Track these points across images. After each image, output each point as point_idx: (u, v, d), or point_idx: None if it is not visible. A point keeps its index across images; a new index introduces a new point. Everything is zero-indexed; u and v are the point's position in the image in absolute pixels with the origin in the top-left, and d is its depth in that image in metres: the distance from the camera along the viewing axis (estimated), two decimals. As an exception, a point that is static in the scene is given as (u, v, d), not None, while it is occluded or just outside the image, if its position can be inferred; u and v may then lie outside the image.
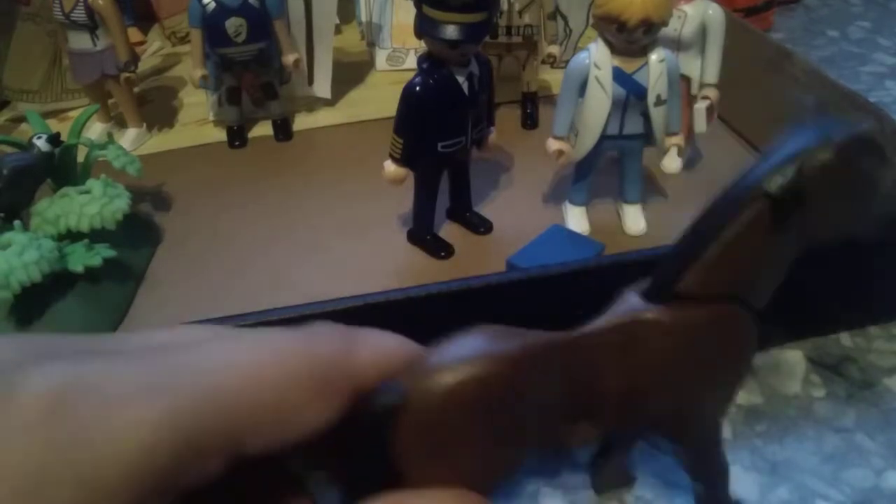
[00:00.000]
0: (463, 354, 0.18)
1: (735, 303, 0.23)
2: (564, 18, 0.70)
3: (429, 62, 0.43)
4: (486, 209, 0.53)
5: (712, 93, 0.52)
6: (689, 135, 0.54)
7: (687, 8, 0.50)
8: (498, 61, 0.60)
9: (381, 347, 0.18)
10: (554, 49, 0.62)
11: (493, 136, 0.50)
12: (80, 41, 0.58)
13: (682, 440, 0.27)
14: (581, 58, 0.45)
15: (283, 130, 0.64)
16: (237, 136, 0.63)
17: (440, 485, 0.17)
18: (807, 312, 0.40)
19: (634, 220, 0.50)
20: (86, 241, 0.43)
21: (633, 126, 0.46)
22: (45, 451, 0.12)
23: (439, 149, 0.45)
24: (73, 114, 0.65)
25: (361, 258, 0.49)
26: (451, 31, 0.41)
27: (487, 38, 0.50)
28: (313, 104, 0.68)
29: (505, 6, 0.58)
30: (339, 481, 0.19)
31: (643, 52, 0.44)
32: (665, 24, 0.42)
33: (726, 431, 0.36)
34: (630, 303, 0.23)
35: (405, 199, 0.50)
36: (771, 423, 0.36)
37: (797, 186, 0.22)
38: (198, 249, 0.51)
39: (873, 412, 0.37)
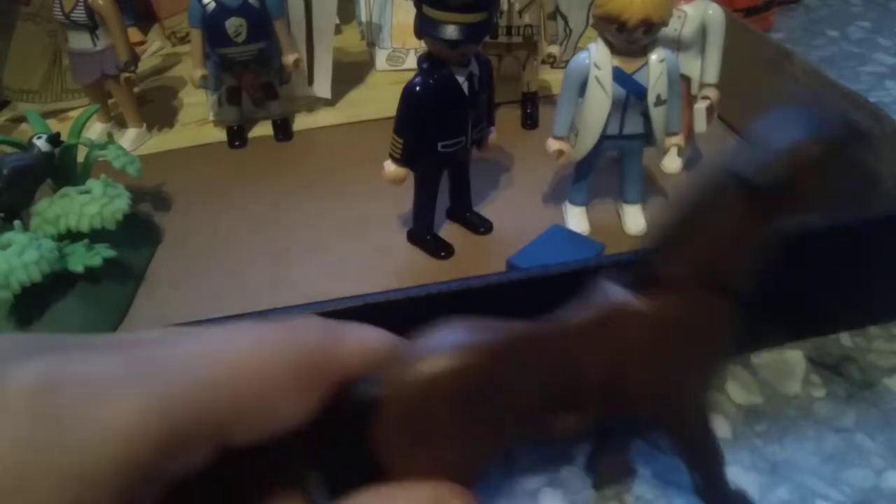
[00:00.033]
0: (441, 346, 0.19)
1: (717, 289, 0.23)
2: (564, 18, 0.70)
3: (429, 62, 0.43)
4: (486, 209, 0.53)
5: (712, 93, 0.52)
6: (689, 135, 0.54)
7: (687, 8, 0.51)
8: (498, 61, 0.60)
9: (363, 339, 0.18)
10: (554, 49, 0.62)
11: (493, 136, 0.50)
12: (80, 41, 0.58)
13: (669, 427, 0.26)
14: (581, 58, 0.45)
15: (283, 130, 0.64)
16: (237, 136, 0.63)
17: (422, 476, 0.18)
18: (807, 312, 0.40)
19: (634, 220, 0.50)
20: (86, 241, 0.43)
21: (633, 126, 0.46)
22: (30, 440, 0.12)
23: (439, 149, 0.45)
24: (73, 114, 0.65)
25: (361, 258, 0.49)
26: (451, 31, 0.41)
27: (487, 38, 0.50)
28: (313, 104, 0.68)
29: (505, 6, 0.58)
30: (324, 474, 0.19)
31: (643, 52, 0.44)
32: (665, 24, 0.42)
33: (726, 431, 0.36)
34: (608, 291, 0.23)
35: (405, 199, 0.50)
36: (771, 423, 0.36)
37: (785, 179, 0.22)
38: (198, 249, 0.51)
39: (873, 412, 0.37)
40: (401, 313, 0.34)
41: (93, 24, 0.57)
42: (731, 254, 0.23)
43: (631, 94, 0.44)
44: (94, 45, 0.58)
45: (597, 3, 0.42)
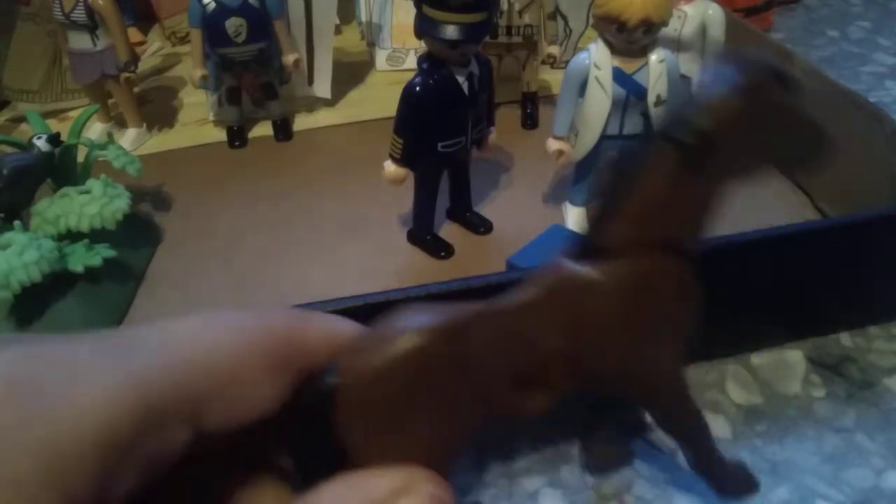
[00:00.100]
0: (396, 331, 0.19)
1: (665, 250, 0.23)
2: (564, 18, 0.70)
3: (429, 62, 0.43)
4: (486, 209, 0.53)
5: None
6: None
7: (687, 8, 0.51)
8: (498, 61, 0.60)
9: (329, 328, 0.18)
10: (554, 49, 0.62)
11: (493, 136, 0.50)
12: (80, 41, 0.58)
13: (645, 399, 0.26)
14: (581, 58, 0.45)
15: (283, 130, 0.64)
16: (237, 136, 0.63)
17: (392, 462, 0.18)
18: (807, 312, 0.40)
19: (634, 220, 0.50)
20: (86, 241, 0.43)
21: (634, 126, 0.46)
22: (6, 419, 0.12)
23: (439, 149, 0.45)
24: (73, 114, 0.65)
25: (361, 258, 0.49)
26: (451, 31, 0.41)
27: (487, 38, 0.50)
28: (313, 104, 0.68)
29: (505, 6, 0.58)
30: (296, 463, 0.19)
31: (643, 52, 0.44)
32: (665, 24, 0.42)
33: (726, 431, 0.36)
34: (558, 264, 0.23)
35: (405, 199, 0.50)
36: (771, 423, 0.36)
37: (710, 133, 0.21)
38: (198, 249, 0.51)
39: (873, 412, 0.37)
40: (401, 313, 0.34)
41: (93, 24, 0.57)
42: (673, 214, 0.23)
43: (631, 94, 0.44)
44: (94, 45, 0.58)
45: (597, 3, 0.42)
